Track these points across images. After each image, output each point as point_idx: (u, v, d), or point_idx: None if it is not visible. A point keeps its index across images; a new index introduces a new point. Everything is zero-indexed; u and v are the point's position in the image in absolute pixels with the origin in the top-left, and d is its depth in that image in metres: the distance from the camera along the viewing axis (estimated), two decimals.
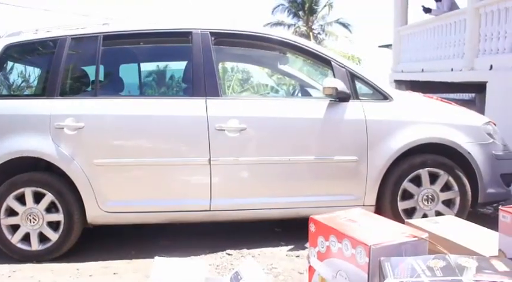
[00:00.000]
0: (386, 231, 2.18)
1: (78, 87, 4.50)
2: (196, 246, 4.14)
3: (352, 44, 37.59)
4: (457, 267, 1.80)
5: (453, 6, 10.03)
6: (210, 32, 4.28)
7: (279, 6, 36.75)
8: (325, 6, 36.71)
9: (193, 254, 3.96)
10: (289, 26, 36.88)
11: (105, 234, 4.54)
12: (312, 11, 36.63)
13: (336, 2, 46.59)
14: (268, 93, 11.69)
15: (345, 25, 36.95)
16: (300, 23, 37.14)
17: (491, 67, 7.56)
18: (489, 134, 4.40)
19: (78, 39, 4.30)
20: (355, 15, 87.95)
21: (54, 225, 4.02)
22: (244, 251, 3.99)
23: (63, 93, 4.18)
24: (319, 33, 37.28)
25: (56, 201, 3.99)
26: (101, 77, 4.50)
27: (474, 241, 2.33)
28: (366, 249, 1.98)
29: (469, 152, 4.25)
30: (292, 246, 4.09)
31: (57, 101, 4.08)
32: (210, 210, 4.08)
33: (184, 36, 4.36)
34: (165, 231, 4.59)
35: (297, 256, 3.86)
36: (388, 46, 16.10)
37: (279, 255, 3.91)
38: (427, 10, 10.52)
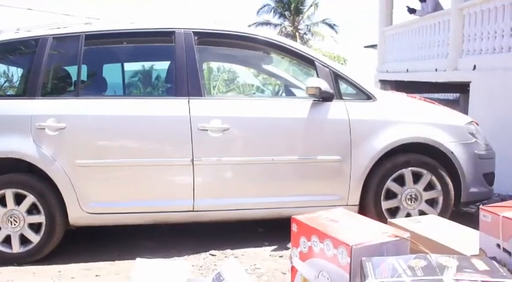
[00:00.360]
0: (368, 231, 2.17)
1: (60, 87, 4.43)
2: (179, 247, 4.13)
3: (337, 44, 37.71)
4: (437, 266, 1.79)
5: (437, 7, 10.10)
6: (193, 32, 4.26)
7: (264, 6, 36.80)
8: (311, 6, 36.79)
9: (176, 254, 3.95)
10: (275, 26, 36.93)
11: (88, 235, 4.49)
12: (298, 11, 36.69)
13: (322, 2, 46.76)
14: (254, 93, 11.68)
15: (330, 25, 37.12)
16: (286, 23, 37.19)
17: (474, 67, 7.62)
18: (472, 134, 4.43)
19: (60, 39, 4.25)
20: (341, 16, 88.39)
21: (35, 227, 3.97)
22: (228, 251, 3.97)
23: (45, 94, 4.13)
24: (305, 33, 37.37)
25: (38, 203, 3.93)
26: (83, 77, 4.44)
27: (456, 240, 2.34)
28: (347, 249, 1.97)
29: (452, 152, 4.27)
30: (275, 247, 4.08)
31: (38, 101, 4.03)
32: (193, 211, 4.06)
33: (167, 35, 4.33)
34: (149, 232, 4.55)
35: (280, 256, 3.85)
36: (373, 46, 16.17)
37: (262, 255, 3.90)
38: (411, 11, 10.60)
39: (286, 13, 36.87)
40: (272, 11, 36.88)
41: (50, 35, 4.21)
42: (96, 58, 4.70)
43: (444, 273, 1.74)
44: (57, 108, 4.02)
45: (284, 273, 3.41)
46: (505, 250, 1.96)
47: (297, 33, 36.18)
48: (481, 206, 2.12)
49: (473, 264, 1.81)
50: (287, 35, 33.56)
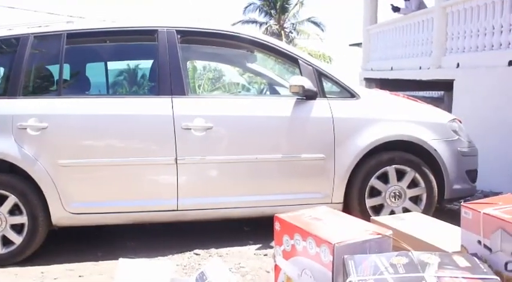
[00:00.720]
0: (350, 229, 2.17)
1: (42, 86, 4.39)
2: (164, 246, 4.10)
3: (323, 43, 37.72)
4: (419, 263, 1.80)
5: (421, 5, 10.15)
6: (176, 30, 4.23)
7: (250, 5, 36.76)
8: (296, 4, 36.81)
9: (160, 254, 3.92)
10: (261, 24, 36.91)
11: (71, 236, 4.46)
12: (283, 10, 36.67)
13: (308, 1, 46.85)
14: (240, 91, 11.68)
15: (316, 24, 37.11)
16: (272, 21, 37.16)
17: (458, 65, 7.67)
18: (455, 131, 4.46)
19: (41, 38, 4.20)
20: (327, 14, 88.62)
21: (18, 228, 3.92)
22: (212, 250, 3.96)
23: (26, 93, 4.08)
24: (290, 31, 37.37)
25: (20, 204, 3.88)
26: (65, 76, 4.39)
27: (438, 237, 2.34)
28: (329, 248, 1.97)
29: (435, 149, 4.30)
30: (260, 245, 4.07)
31: (19, 100, 3.98)
32: (177, 210, 4.04)
33: (150, 34, 4.30)
34: (133, 232, 4.52)
35: (264, 255, 3.84)
36: (358, 45, 16.25)
37: (247, 254, 3.89)
38: (395, 9, 10.64)
39: (272, 11, 36.84)
40: (258, 10, 36.84)
41: (31, 33, 4.16)
42: (78, 57, 4.65)
43: (426, 270, 1.74)
44: (39, 107, 3.98)
45: (268, 272, 3.41)
46: (485, 246, 1.96)
47: (282, 32, 36.16)
48: (462, 203, 2.13)
49: (455, 261, 1.81)
50: (273, 34, 33.54)
